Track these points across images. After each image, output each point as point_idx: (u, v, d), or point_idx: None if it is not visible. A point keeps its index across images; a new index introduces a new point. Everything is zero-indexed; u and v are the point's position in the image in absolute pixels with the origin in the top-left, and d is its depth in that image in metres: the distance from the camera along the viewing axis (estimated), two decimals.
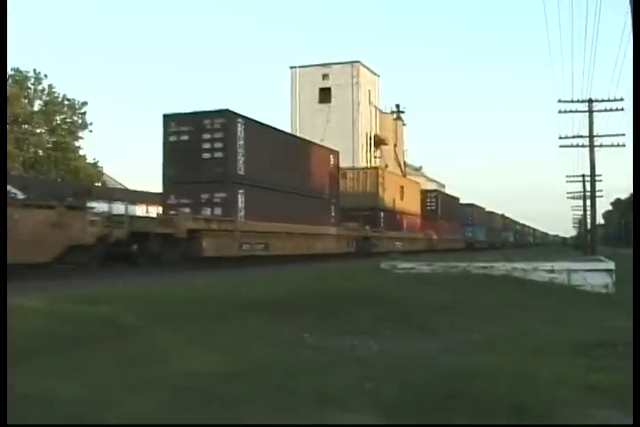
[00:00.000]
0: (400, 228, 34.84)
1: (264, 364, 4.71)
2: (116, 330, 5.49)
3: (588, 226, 41.53)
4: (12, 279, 7.94)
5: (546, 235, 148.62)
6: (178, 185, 18.35)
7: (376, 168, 36.12)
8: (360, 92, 56.41)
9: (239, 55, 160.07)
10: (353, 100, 56.03)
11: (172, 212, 17.81)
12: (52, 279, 10.97)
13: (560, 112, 29.74)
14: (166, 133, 18.97)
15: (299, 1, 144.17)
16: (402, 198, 35.71)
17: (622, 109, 29.23)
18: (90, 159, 40.60)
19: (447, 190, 60.60)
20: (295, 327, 6.27)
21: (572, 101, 29.65)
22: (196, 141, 18.63)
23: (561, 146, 31.63)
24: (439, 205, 43.75)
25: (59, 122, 39.46)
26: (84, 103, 39.96)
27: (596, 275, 13.14)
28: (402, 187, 36.59)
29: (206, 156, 18.61)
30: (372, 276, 12.54)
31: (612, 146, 30.59)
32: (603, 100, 29.56)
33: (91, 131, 40.11)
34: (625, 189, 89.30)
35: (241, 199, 19.03)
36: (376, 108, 60.77)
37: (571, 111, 29.90)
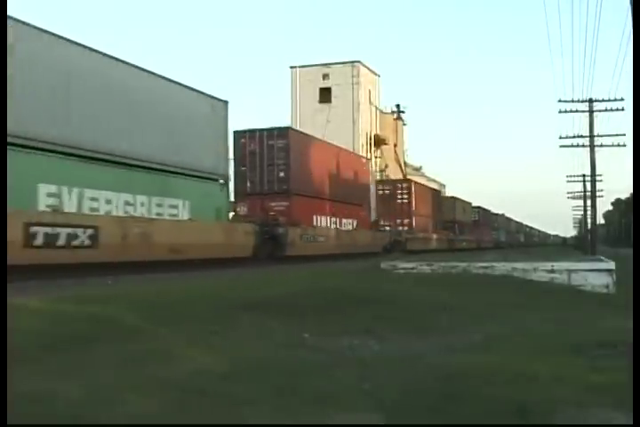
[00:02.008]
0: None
1: (264, 364, 4.71)
2: (115, 330, 5.49)
3: (589, 226, 41.51)
4: (11, 279, 7.94)
5: (546, 235, 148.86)
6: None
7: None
8: (360, 91, 56.36)
9: (239, 55, 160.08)
10: (353, 99, 55.96)
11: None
12: (52, 279, 10.97)
13: (560, 112, 29.79)
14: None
15: (299, 1, 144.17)
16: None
17: (622, 109, 29.29)
18: None
19: (447, 190, 61.84)
20: (295, 327, 6.27)
21: (573, 101, 29.69)
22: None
23: (561, 146, 31.69)
24: (480, 216, 62.18)
25: None
26: None
27: (596, 275, 13.13)
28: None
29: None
30: (372, 276, 12.55)
31: (613, 146, 30.63)
32: (603, 100, 29.61)
33: None
34: (625, 189, 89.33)
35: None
36: (376, 107, 60.72)
37: (571, 111, 29.95)
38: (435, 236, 41.64)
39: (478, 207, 63.09)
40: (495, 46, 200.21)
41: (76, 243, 12.59)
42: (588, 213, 41.51)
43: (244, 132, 22.65)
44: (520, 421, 3.47)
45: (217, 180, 18.06)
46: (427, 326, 6.88)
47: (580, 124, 34.04)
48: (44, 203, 12.48)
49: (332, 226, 26.07)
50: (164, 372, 4.30)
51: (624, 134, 30.92)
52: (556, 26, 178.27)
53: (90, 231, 12.93)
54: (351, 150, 36.36)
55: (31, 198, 12.17)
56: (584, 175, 42.80)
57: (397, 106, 66.47)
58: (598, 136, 30.32)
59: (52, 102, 12.88)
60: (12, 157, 10.96)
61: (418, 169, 73.01)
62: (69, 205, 12.99)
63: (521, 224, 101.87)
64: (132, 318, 5.95)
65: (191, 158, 16.87)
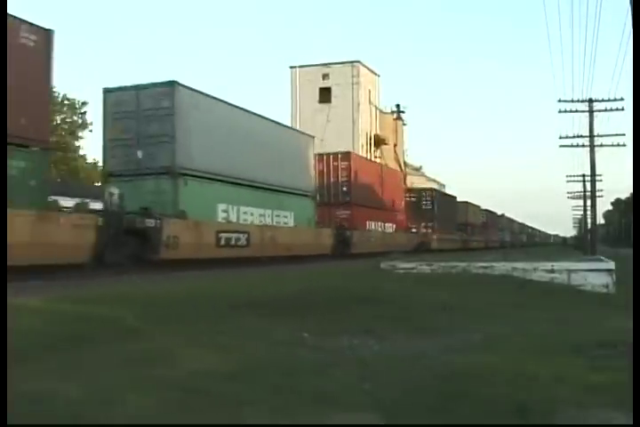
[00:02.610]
0: (474, 234, 57.89)
1: (264, 364, 4.71)
2: (116, 330, 5.49)
3: (589, 226, 41.51)
4: (12, 279, 7.94)
5: (547, 235, 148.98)
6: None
7: (454, 197, 54.15)
8: (360, 91, 56.36)
9: (239, 55, 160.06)
10: (353, 99, 55.96)
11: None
12: (52, 279, 10.98)
13: (560, 112, 29.76)
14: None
15: (299, 1, 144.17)
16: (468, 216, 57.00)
17: (622, 109, 29.24)
18: (90, 159, 40.62)
19: (447, 190, 61.81)
20: (295, 327, 6.27)
21: (573, 101, 29.66)
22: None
23: (561, 146, 31.67)
24: (487, 218, 66.28)
25: (59, 122, 39.48)
26: (84, 103, 40.01)
27: (596, 275, 13.13)
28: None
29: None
30: (372, 276, 12.54)
31: (613, 146, 30.60)
32: (603, 100, 29.57)
33: (91, 131, 40.15)
34: (625, 189, 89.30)
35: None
36: (376, 107, 60.71)
37: (571, 111, 29.91)
38: (453, 237, 47.85)
39: (486, 210, 67.83)
40: (495, 46, 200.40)
41: (239, 243, 18.63)
42: (588, 213, 41.51)
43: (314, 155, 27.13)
44: (520, 421, 3.47)
45: (308, 195, 24.23)
46: (426, 326, 6.87)
47: (579, 124, 34.04)
48: (220, 216, 18.60)
49: (379, 229, 32.59)
50: (164, 372, 4.30)
51: (624, 134, 30.91)
52: (556, 26, 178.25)
53: (245, 235, 18.93)
54: (392, 167, 46.57)
55: (213, 213, 18.23)
56: (584, 175, 42.78)
57: (397, 106, 66.48)
58: (598, 136, 30.30)
59: (220, 146, 18.73)
60: (204, 185, 17.70)
61: (418, 169, 73.03)
62: (233, 218, 19.17)
63: (523, 225, 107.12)
64: (133, 318, 5.95)
65: (293, 180, 22.83)
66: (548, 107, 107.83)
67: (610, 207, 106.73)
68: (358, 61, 57.13)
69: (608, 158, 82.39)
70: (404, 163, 65.47)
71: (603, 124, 51.73)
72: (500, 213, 78.37)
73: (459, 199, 55.59)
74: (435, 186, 64.07)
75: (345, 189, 28.78)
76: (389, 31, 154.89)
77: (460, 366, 4.68)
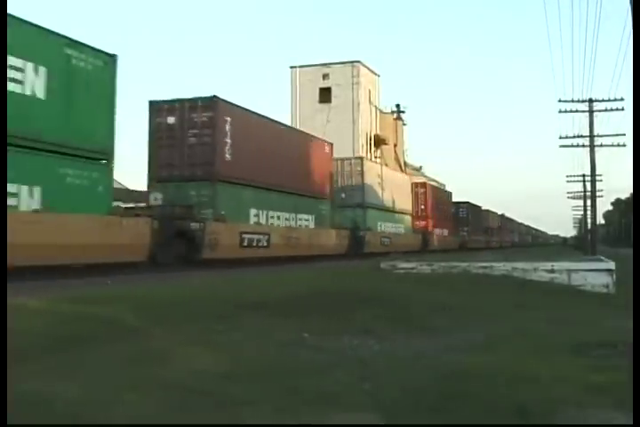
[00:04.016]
0: (493, 236, 66.68)
1: (264, 364, 4.71)
2: (115, 330, 5.49)
3: (589, 226, 41.50)
4: (12, 279, 7.94)
5: (548, 235, 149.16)
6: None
7: (480, 207, 62.13)
8: (360, 91, 56.36)
9: (239, 55, 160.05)
10: (353, 99, 55.97)
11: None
12: (52, 279, 10.97)
13: (560, 112, 29.76)
14: None
15: (299, 1, 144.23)
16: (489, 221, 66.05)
17: (622, 109, 29.25)
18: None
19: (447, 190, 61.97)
20: (295, 327, 6.27)
21: (573, 101, 29.65)
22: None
23: (561, 146, 31.67)
24: (502, 222, 75.23)
25: None
26: None
27: (596, 275, 13.10)
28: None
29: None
30: (372, 276, 12.53)
31: (613, 146, 30.61)
32: (603, 100, 29.56)
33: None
34: (625, 189, 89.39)
35: None
36: (376, 107, 60.71)
37: (571, 111, 29.91)
38: (480, 238, 58.47)
39: (502, 216, 77.16)
40: (495, 46, 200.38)
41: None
42: (588, 213, 41.52)
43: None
44: (520, 421, 3.47)
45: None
46: (427, 326, 6.87)
47: (579, 124, 34.06)
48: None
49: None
50: (165, 372, 4.30)
51: (624, 134, 30.92)
52: (556, 26, 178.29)
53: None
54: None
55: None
56: (584, 175, 42.79)
57: (397, 106, 66.50)
58: (598, 136, 30.29)
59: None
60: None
61: (418, 169, 72.94)
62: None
63: (529, 227, 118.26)
64: (132, 318, 5.94)
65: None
66: (549, 107, 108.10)
67: (610, 207, 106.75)
68: (358, 61, 57.12)
69: (608, 158, 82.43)
70: (404, 163, 65.46)
71: (603, 124, 51.82)
72: (499, 212, 79.68)
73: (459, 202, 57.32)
74: (435, 186, 64.08)
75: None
76: (389, 31, 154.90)
77: (460, 366, 4.68)
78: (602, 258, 17.14)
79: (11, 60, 11.49)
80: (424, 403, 3.72)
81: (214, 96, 18.91)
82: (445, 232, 45.41)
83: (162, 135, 18.66)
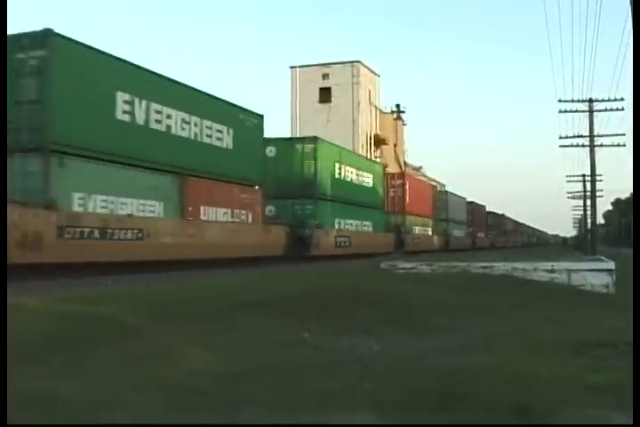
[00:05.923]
0: (507, 237, 74.15)
1: (264, 363, 4.71)
2: (116, 330, 5.49)
3: (589, 226, 41.51)
4: (12, 279, 7.93)
5: (546, 235, 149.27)
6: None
7: (500, 214, 72.45)
8: (360, 91, 56.36)
9: (239, 55, 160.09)
10: (353, 99, 55.98)
11: None
12: (52, 279, 10.97)
13: (560, 112, 29.78)
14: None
15: (299, 1, 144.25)
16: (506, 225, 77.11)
17: (622, 109, 29.27)
18: None
19: (447, 189, 62.02)
20: (295, 327, 6.27)
21: (573, 101, 29.66)
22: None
23: (561, 146, 31.70)
24: (514, 225, 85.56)
25: None
26: None
27: (596, 275, 13.12)
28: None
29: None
30: (372, 276, 12.53)
31: (613, 146, 30.62)
32: (603, 100, 29.58)
33: None
34: (625, 189, 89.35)
35: None
36: (376, 107, 60.71)
37: (571, 111, 29.93)
38: (500, 239, 66.83)
39: (514, 220, 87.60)
40: (495, 46, 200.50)
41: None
42: (588, 213, 41.53)
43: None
44: (520, 421, 3.47)
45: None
46: (427, 326, 6.87)
47: (579, 124, 34.06)
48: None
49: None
50: (165, 371, 4.30)
51: (624, 134, 30.96)
52: (556, 26, 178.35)
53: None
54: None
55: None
56: (584, 175, 42.83)
57: (397, 106, 66.49)
58: (598, 136, 30.31)
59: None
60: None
61: (418, 169, 72.94)
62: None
63: (533, 228, 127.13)
64: (133, 318, 5.94)
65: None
66: (549, 107, 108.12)
67: (610, 207, 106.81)
68: (358, 61, 57.12)
69: (608, 158, 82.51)
70: (404, 163, 65.48)
71: (603, 124, 51.81)
72: (500, 212, 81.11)
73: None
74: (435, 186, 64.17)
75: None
76: (389, 31, 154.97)
77: (460, 366, 4.68)
78: (602, 258, 17.15)
79: (217, 126, 17.56)
80: (424, 403, 3.72)
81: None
82: (482, 235, 58.85)
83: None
